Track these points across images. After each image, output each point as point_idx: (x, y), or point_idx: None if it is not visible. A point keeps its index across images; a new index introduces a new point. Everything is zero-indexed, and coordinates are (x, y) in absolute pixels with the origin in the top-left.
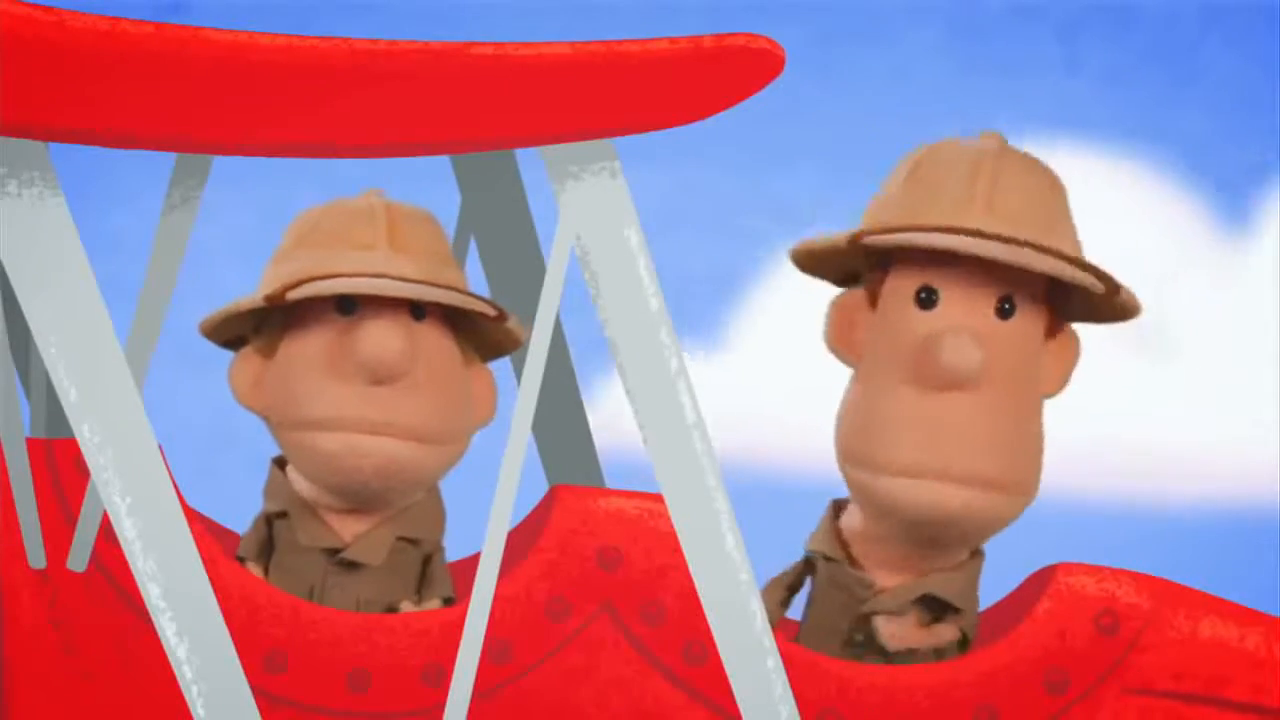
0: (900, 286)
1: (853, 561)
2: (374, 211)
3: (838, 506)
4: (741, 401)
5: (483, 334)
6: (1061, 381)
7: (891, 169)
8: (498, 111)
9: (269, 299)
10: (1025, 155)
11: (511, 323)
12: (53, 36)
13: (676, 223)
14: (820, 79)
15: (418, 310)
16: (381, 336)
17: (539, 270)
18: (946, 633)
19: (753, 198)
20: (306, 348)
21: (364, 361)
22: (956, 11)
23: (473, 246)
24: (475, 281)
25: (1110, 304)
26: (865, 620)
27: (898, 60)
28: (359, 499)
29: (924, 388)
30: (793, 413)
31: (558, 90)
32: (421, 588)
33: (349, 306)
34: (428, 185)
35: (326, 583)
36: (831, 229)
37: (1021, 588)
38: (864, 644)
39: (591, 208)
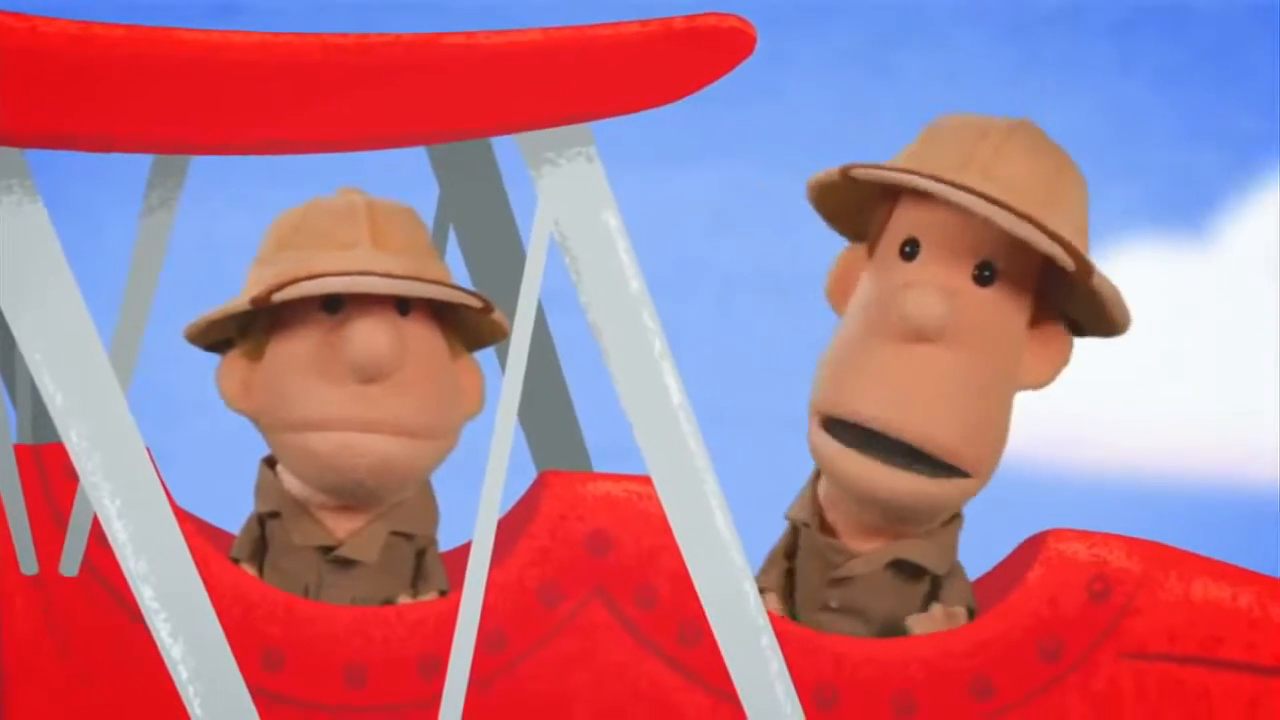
0: (891, 237)
1: (826, 527)
2: (354, 209)
3: (818, 474)
4: None
5: (468, 326)
6: (1045, 377)
7: None
8: (472, 101)
9: (255, 302)
10: (1041, 137)
11: (497, 314)
12: (25, 43)
13: (728, 223)
14: (875, 79)
15: (403, 306)
16: (370, 335)
17: (519, 257)
18: (960, 616)
19: (804, 196)
20: (294, 349)
21: (354, 361)
22: (1010, 12)
23: (452, 236)
24: (456, 271)
25: (1100, 313)
26: (838, 584)
27: (952, 60)
28: (353, 497)
29: (889, 339)
30: None
31: (531, 77)
32: (416, 582)
33: (335, 305)
34: (404, 177)
35: (322, 581)
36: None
37: (1012, 556)
38: (839, 610)
39: (569, 192)
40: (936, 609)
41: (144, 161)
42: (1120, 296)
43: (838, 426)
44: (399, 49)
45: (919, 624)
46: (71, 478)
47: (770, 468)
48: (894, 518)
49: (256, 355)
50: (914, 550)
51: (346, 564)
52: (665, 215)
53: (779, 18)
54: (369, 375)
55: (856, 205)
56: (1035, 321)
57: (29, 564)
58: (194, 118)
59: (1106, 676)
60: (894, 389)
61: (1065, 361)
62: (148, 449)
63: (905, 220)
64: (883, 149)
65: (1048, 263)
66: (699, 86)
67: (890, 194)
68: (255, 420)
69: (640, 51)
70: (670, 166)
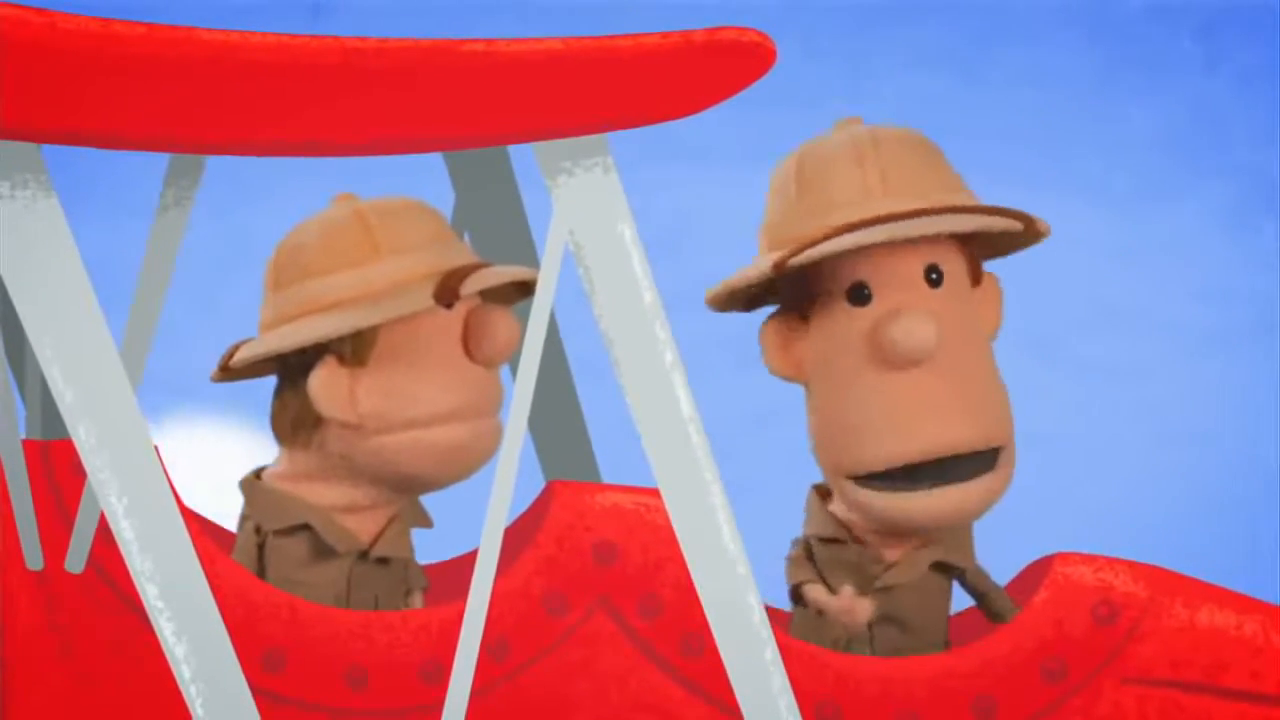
0: (828, 292)
1: (858, 540)
2: (423, 207)
3: (820, 491)
4: None
5: None
6: (997, 323)
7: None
8: (490, 108)
9: (439, 298)
10: (894, 130)
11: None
12: (45, 39)
13: None
14: (963, 79)
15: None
16: (510, 323)
17: (533, 266)
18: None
19: None
20: (415, 349)
21: (500, 348)
22: (1097, 12)
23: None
24: None
25: (1018, 236)
26: (880, 594)
27: (1039, 60)
28: (431, 489)
29: (885, 374)
30: None
31: (550, 86)
32: (407, 579)
33: (450, 302)
34: (420, 183)
35: (352, 584)
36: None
37: (1019, 578)
38: (882, 619)
39: (585, 203)
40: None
41: (160, 160)
42: (1044, 223)
43: (870, 479)
44: (418, 54)
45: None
46: (79, 474)
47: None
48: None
49: (362, 359)
50: (950, 552)
51: (380, 564)
52: (752, 216)
53: (867, 18)
54: (505, 360)
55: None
56: (975, 279)
57: (35, 559)
58: (211, 117)
59: (1110, 701)
60: (909, 419)
61: (1002, 299)
62: (156, 447)
63: (837, 271)
64: (968, 149)
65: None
66: (718, 100)
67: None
68: (363, 425)
69: (659, 63)
70: (753, 167)
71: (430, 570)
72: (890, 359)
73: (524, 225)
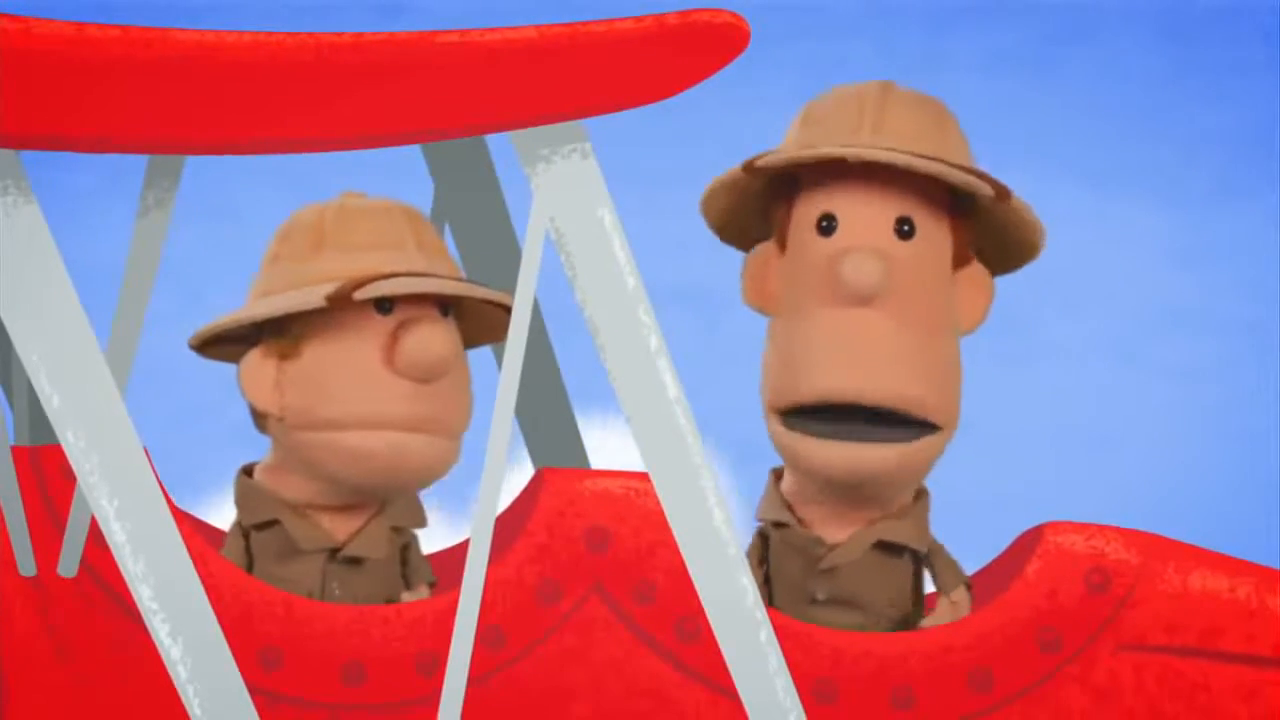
0: (802, 219)
1: (801, 523)
2: (392, 211)
3: (777, 473)
4: None
5: (463, 326)
6: (977, 319)
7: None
8: (466, 98)
9: (335, 300)
10: (912, 91)
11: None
12: (20, 45)
13: None
14: (1036, 79)
15: (444, 309)
16: (436, 337)
17: (514, 255)
18: (964, 599)
19: None
20: (341, 348)
21: (419, 362)
22: (1169, 13)
23: (448, 234)
24: None
25: (1015, 234)
26: (824, 576)
27: (1111, 60)
28: (376, 495)
29: (833, 308)
30: None
31: (525, 74)
32: (406, 576)
33: (388, 307)
34: (399, 175)
35: (326, 584)
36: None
37: (1011, 549)
38: (827, 601)
39: (564, 189)
40: (943, 604)
41: (140, 162)
42: (1033, 213)
43: (799, 418)
44: (393, 47)
45: (931, 623)
46: (69, 479)
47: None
48: (877, 493)
49: (291, 353)
50: (892, 530)
51: (352, 563)
52: None
53: (940, 18)
54: (431, 376)
55: (746, 208)
56: (960, 262)
57: (27, 565)
58: (189, 118)
59: (1106, 668)
60: (847, 355)
61: (990, 300)
62: (145, 449)
63: (813, 200)
64: (1039, 149)
65: (956, 208)
66: (693, 82)
67: (786, 185)
68: (283, 418)
69: (634, 48)
70: None
71: None
72: (838, 292)
73: (504, 214)
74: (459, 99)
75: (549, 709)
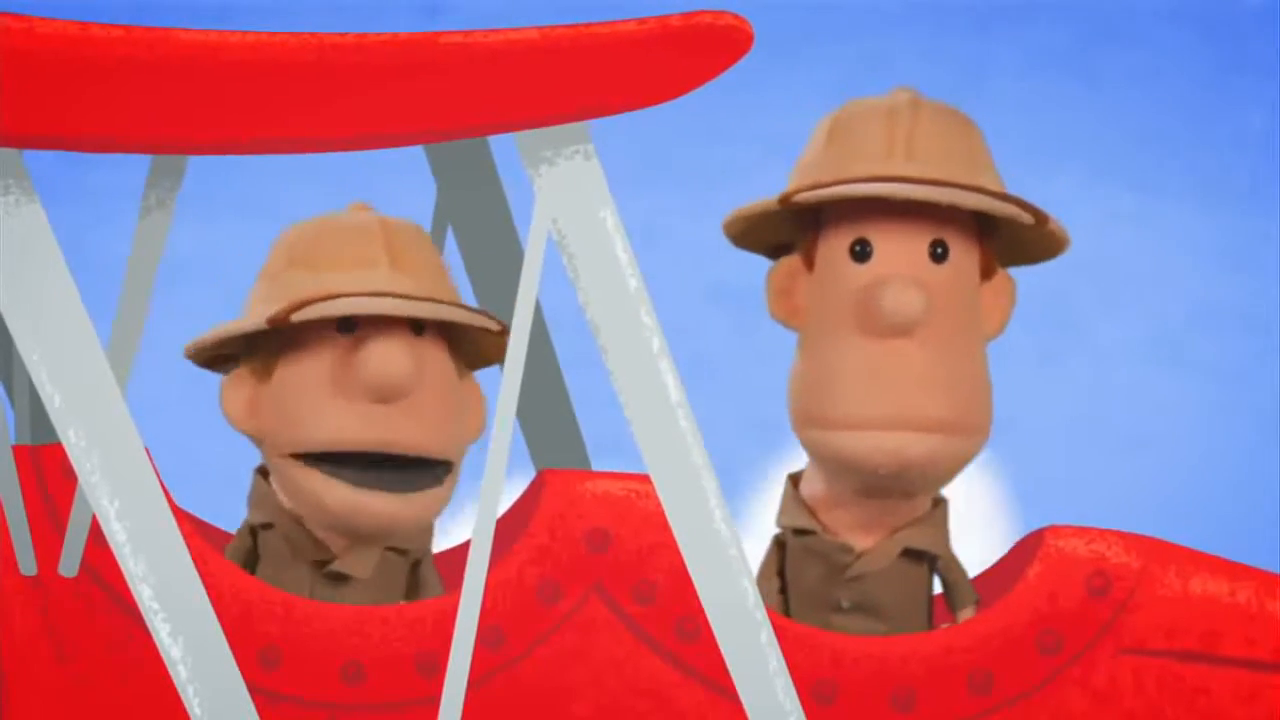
0: (834, 243)
1: (827, 530)
2: (369, 228)
3: (794, 479)
4: None
5: (472, 345)
6: (1001, 323)
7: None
8: (469, 99)
9: (272, 322)
10: (938, 103)
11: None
12: (23, 43)
13: None
14: (1077, 79)
15: (417, 326)
16: (389, 355)
17: (517, 256)
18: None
19: None
20: (306, 369)
21: (371, 381)
22: (1212, 12)
23: (450, 236)
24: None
25: (1039, 240)
26: (851, 584)
27: (1153, 61)
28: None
29: (869, 338)
30: None
31: (528, 75)
32: (411, 594)
33: (350, 325)
34: (401, 177)
35: (315, 595)
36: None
37: (1012, 552)
38: (851, 609)
39: (567, 191)
40: (966, 614)
41: (142, 162)
42: (1064, 229)
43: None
44: (395, 48)
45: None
46: (70, 478)
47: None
48: (915, 486)
49: (265, 374)
50: (919, 538)
51: (339, 579)
52: None
53: (980, 19)
54: (386, 396)
55: (769, 224)
56: (988, 273)
57: (28, 565)
58: (191, 118)
59: (1106, 672)
60: (884, 388)
61: (1013, 303)
62: (146, 449)
63: (846, 224)
64: (1082, 150)
65: (982, 221)
66: (696, 84)
67: (814, 205)
68: (259, 442)
69: (637, 50)
70: None
71: None
72: (874, 323)
73: (507, 216)
74: (462, 100)
75: (549, 709)
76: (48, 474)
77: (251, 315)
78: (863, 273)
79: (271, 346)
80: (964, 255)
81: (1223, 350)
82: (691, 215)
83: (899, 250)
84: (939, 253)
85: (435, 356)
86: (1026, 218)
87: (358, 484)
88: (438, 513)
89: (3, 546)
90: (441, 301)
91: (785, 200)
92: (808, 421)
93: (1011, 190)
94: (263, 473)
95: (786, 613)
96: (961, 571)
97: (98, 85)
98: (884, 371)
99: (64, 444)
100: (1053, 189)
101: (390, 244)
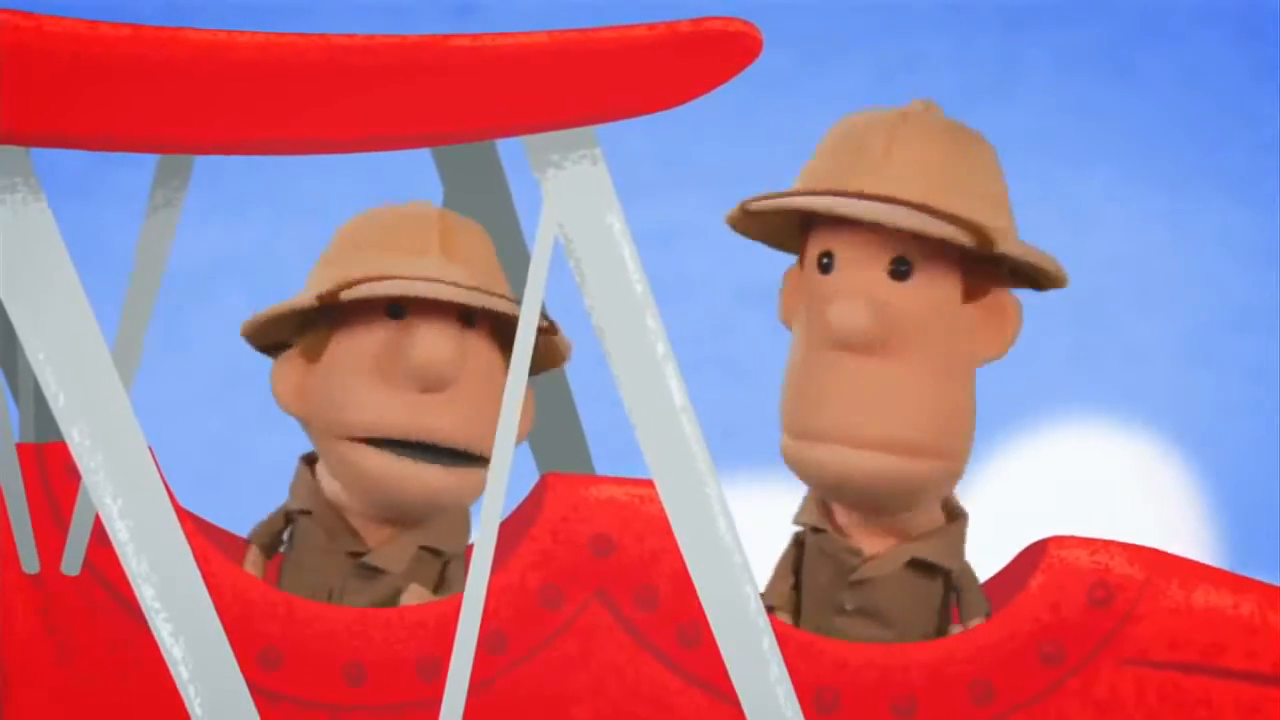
0: (811, 252)
1: (839, 531)
2: (427, 216)
3: None
4: None
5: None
6: (999, 346)
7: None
8: (477, 103)
9: (321, 299)
10: (934, 119)
11: (559, 337)
12: (31, 42)
13: None
14: (1115, 79)
15: (468, 318)
16: (434, 341)
17: (523, 261)
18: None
19: (1043, 199)
20: (353, 352)
21: (414, 365)
22: (1250, 12)
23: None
24: None
25: (1040, 269)
26: (855, 587)
27: (1191, 61)
28: (393, 514)
29: (825, 351)
30: None
31: (537, 79)
32: (439, 590)
33: (399, 311)
34: (408, 179)
35: (346, 586)
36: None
37: (1014, 562)
38: (855, 612)
39: (574, 195)
40: (956, 631)
41: (149, 161)
42: (1038, 253)
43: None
44: (403, 50)
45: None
46: (73, 476)
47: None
48: (862, 503)
49: (314, 356)
50: (929, 549)
51: (371, 571)
52: None
53: (1015, 17)
54: (429, 383)
55: (782, 228)
56: (975, 294)
57: (30, 563)
58: (199, 118)
59: (1107, 683)
60: (844, 403)
61: (1016, 328)
62: (150, 448)
63: (820, 234)
64: (1116, 149)
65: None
66: (705, 90)
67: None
68: (306, 423)
69: (645, 55)
70: None
71: None
72: (823, 336)
73: (514, 219)
74: (469, 103)
75: (550, 714)
76: (51, 472)
77: (304, 295)
78: (825, 284)
79: (322, 328)
80: (936, 274)
81: (1259, 350)
82: (719, 216)
83: (858, 265)
84: (900, 270)
85: (483, 351)
86: (963, 239)
87: (403, 456)
88: (477, 496)
89: (5, 544)
90: (491, 293)
91: (745, 209)
92: (782, 427)
93: (1043, 190)
94: (308, 461)
95: (797, 611)
96: (973, 584)
97: (105, 84)
98: (831, 385)
99: (68, 442)
100: (1087, 189)
101: (445, 233)
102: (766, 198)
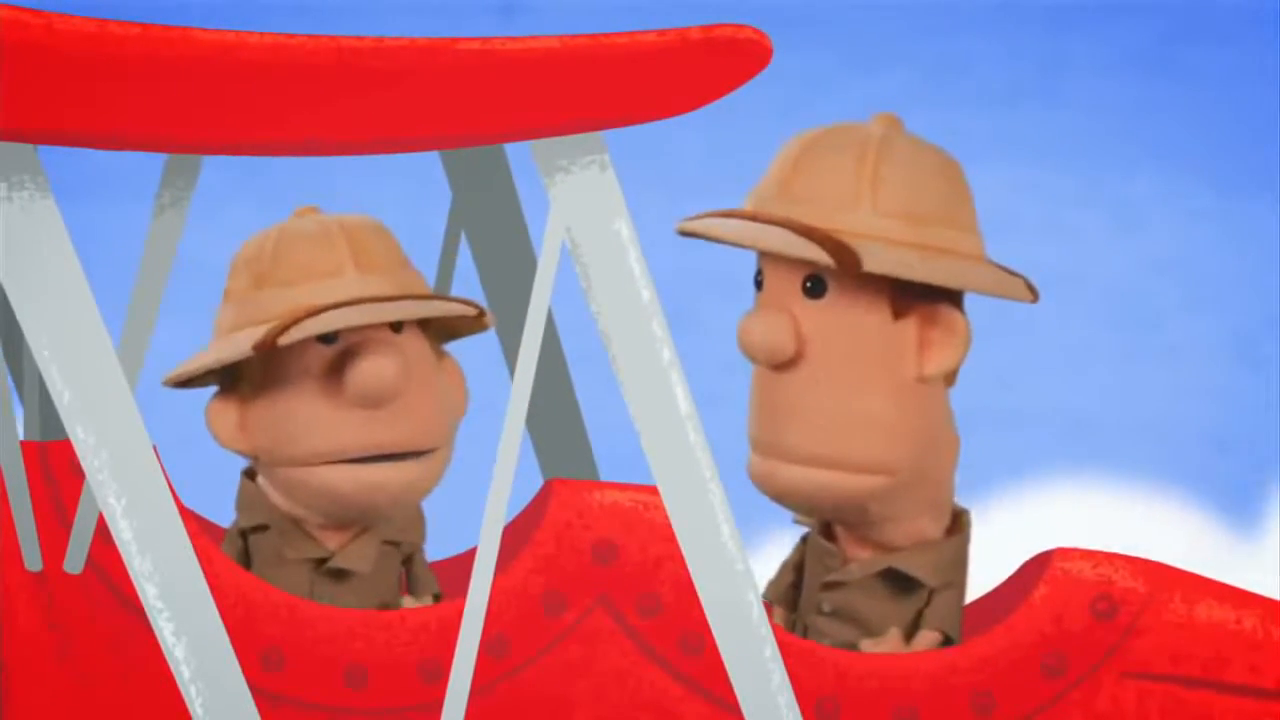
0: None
1: (830, 533)
2: (329, 234)
3: None
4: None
5: (442, 323)
6: (945, 362)
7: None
8: (486, 106)
9: (259, 348)
10: (836, 135)
11: (486, 318)
12: (41, 39)
13: (1009, 224)
14: (1160, 78)
15: (395, 325)
16: (376, 367)
17: (530, 265)
18: (926, 640)
19: (1089, 199)
20: (294, 384)
21: (361, 391)
22: None
23: (463, 243)
24: (467, 278)
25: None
26: (831, 589)
27: (1237, 60)
28: (359, 521)
29: (756, 367)
30: None
31: (546, 84)
32: (410, 588)
33: (332, 338)
34: (416, 182)
35: (313, 593)
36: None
37: (1018, 573)
38: (831, 614)
39: (582, 201)
40: (893, 633)
41: (157, 160)
42: (949, 272)
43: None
44: (413, 53)
45: (869, 647)
46: (77, 475)
47: None
48: (802, 511)
49: (251, 395)
50: (906, 561)
51: (338, 575)
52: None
53: (1059, 18)
54: (377, 404)
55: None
56: (905, 311)
57: (33, 560)
58: (207, 117)
59: (1109, 695)
60: (762, 414)
61: (962, 342)
62: (154, 447)
63: (757, 255)
64: (1159, 148)
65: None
66: (714, 97)
67: None
68: (255, 458)
69: (655, 61)
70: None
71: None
72: (747, 356)
73: (521, 224)
74: (479, 107)
75: (551, 719)
76: (55, 470)
77: (224, 339)
78: (755, 301)
79: (254, 368)
80: (852, 290)
81: None
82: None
83: (778, 283)
84: (812, 287)
85: (416, 349)
86: (823, 259)
87: (361, 466)
88: (438, 479)
89: (8, 542)
90: (417, 297)
91: (680, 229)
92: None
93: (1089, 190)
94: (250, 476)
95: (794, 607)
96: (947, 602)
97: (113, 82)
98: (762, 399)
99: (72, 441)
100: (1133, 188)
101: (353, 246)
102: (694, 218)
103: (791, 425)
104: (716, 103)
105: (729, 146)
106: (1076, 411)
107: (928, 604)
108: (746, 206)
